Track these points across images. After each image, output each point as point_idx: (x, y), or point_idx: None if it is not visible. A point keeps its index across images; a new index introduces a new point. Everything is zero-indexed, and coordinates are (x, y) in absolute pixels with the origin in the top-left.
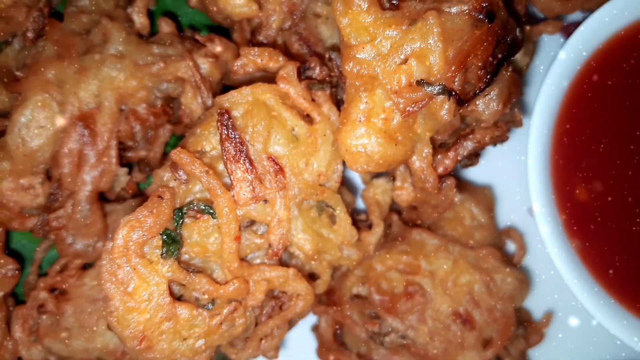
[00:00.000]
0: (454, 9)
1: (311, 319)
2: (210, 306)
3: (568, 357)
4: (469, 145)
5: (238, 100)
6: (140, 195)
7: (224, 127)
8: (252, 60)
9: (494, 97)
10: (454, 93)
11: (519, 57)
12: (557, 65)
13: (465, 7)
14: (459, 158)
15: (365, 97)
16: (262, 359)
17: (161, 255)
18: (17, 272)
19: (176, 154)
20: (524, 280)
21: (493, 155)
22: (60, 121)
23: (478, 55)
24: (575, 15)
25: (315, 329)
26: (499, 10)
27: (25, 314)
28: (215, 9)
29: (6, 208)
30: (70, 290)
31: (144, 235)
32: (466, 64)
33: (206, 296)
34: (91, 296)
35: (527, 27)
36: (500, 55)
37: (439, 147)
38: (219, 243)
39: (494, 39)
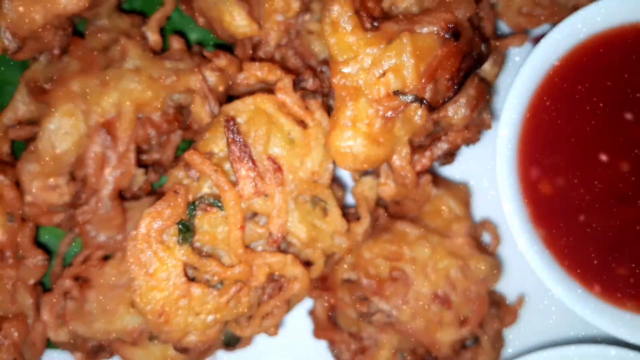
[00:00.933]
0: (424, 30)
1: (307, 304)
2: (219, 286)
3: (538, 335)
4: (443, 146)
5: (242, 109)
6: (153, 194)
7: (230, 132)
8: (254, 73)
9: (463, 104)
10: (425, 101)
11: (488, 67)
12: (522, 74)
13: (434, 28)
14: (435, 157)
15: (351, 105)
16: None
17: (177, 241)
18: (46, 262)
19: (189, 156)
20: (496, 265)
21: (469, 155)
22: (85, 128)
23: (446, 69)
24: (542, 29)
25: (311, 312)
26: (464, 30)
27: (52, 300)
28: (220, 28)
29: (36, 205)
30: (93, 279)
31: (163, 224)
32: (435, 76)
33: (215, 277)
34: (111, 283)
35: (496, 41)
36: (465, 69)
37: (417, 148)
38: (226, 232)
39: (459, 55)
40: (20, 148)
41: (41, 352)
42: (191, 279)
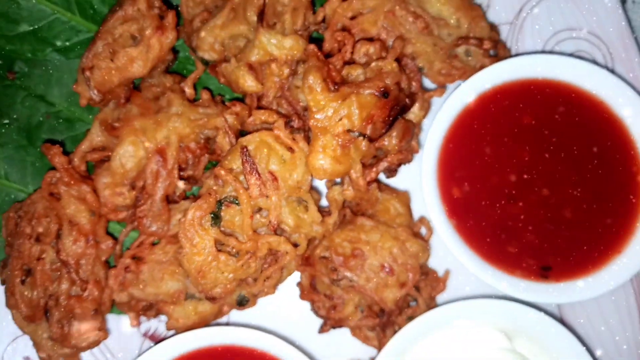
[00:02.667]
0: (366, 92)
1: (296, 278)
2: (236, 255)
3: (458, 297)
4: (384, 164)
5: (251, 140)
6: (186, 199)
7: (244, 155)
8: (259, 117)
9: (394, 137)
10: (366, 136)
11: (417, 111)
12: (440, 115)
13: (372, 90)
14: (379, 172)
15: (322, 138)
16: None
17: (210, 225)
18: (113, 245)
19: (218, 171)
20: (425, 246)
21: (408, 171)
22: (144, 153)
23: (380, 116)
24: (456, 83)
25: (299, 283)
26: (392, 91)
27: (116, 272)
28: (235, 86)
29: (107, 207)
30: (145, 257)
31: (202, 213)
32: (373, 120)
33: (234, 249)
34: (159, 261)
35: (423, 93)
36: (393, 115)
37: (367, 166)
38: (241, 220)
39: (388, 107)
40: (90, 167)
41: (109, 309)
42: (219, 250)
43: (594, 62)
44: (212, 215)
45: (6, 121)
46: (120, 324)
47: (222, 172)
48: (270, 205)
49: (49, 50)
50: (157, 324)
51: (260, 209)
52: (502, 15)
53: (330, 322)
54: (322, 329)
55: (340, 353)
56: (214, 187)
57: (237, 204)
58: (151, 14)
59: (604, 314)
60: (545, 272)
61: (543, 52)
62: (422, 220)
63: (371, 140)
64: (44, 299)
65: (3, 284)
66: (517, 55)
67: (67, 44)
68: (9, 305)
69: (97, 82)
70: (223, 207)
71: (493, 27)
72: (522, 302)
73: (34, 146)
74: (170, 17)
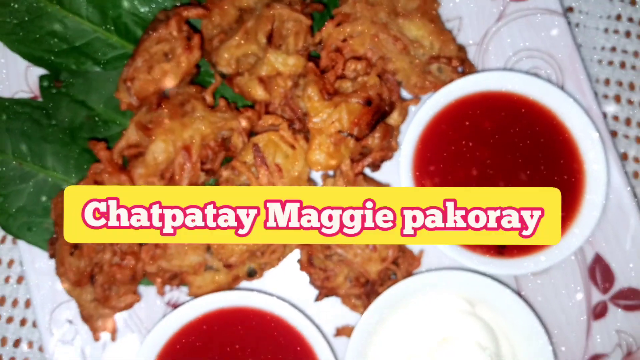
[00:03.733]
0: (353, 100)
1: (295, 255)
2: None
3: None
4: (368, 160)
5: (261, 139)
6: None
7: (255, 151)
8: (267, 121)
9: (377, 137)
10: (354, 136)
11: (396, 117)
12: (415, 120)
13: (359, 100)
14: (364, 166)
15: (318, 138)
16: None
17: None
18: None
19: (234, 163)
20: None
21: (388, 166)
22: (173, 149)
23: (364, 120)
24: (429, 95)
25: (299, 260)
26: (374, 100)
27: (147, 248)
28: (248, 95)
29: None
30: None
31: None
32: (359, 123)
33: None
34: None
35: (401, 102)
36: (375, 119)
37: (356, 161)
38: None
39: (371, 113)
40: (124, 161)
41: (141, 277)
42: None
43: (547, 78)
44: None
45: (53, 122)
46: (147, 294)
47: (238, 164)
48: None
49: (90, 63)
50: (179, 295)
51: None
52: (470, 37)
53: (324, 292)
54: (318, 298)
55: (333, 319)
56: (232, 177)
57: None
58: (181, 36)
59: (554, 283)
60: (501, 249)
61: (504, 69)
62: None
63: (358, 139)
64: (90, 266)
65: (52, 257)
66: (482, 71)
67: (105, 58)
68: (58, 273)
69: (137, 91)
70: None
71: (461, 48)
72: (483, 274)
73: (76, 144)
74: (196, 39)
